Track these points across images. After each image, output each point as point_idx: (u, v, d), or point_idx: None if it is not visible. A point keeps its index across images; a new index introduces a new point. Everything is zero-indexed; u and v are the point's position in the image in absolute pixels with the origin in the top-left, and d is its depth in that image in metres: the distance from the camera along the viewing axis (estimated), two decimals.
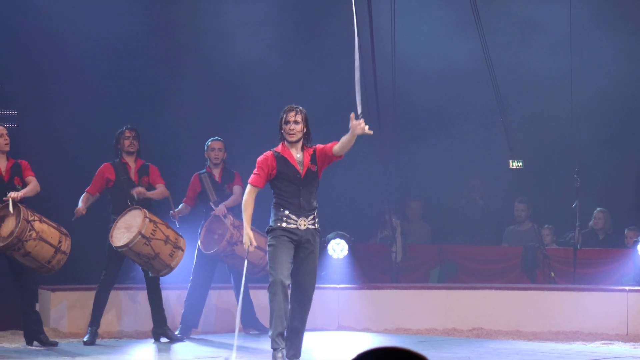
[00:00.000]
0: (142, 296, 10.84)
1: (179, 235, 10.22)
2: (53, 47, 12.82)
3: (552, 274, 12.47)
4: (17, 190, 9.73)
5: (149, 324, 10.61)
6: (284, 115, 8.37)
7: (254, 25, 13.52)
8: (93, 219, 10.81)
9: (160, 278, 10.35)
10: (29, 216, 9.58)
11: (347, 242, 12.47)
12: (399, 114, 13.44)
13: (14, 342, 10.35)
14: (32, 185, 9.88)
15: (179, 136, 13.43)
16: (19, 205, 9.57)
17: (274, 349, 8.21)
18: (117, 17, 12.97)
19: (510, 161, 13.27)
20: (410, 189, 14.53)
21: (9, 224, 9.54)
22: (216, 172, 10.88)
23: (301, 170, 8.29)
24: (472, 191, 14.67)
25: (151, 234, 9.93)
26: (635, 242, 12.26)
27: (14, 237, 9.46)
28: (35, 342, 9.98)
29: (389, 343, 10.02)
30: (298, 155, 8.33)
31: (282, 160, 8.30)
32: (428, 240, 14.09)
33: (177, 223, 10.52)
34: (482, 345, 10.39)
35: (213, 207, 10.64)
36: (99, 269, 10.41)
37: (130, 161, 10.53)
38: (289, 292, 8.29)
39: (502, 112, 12.78)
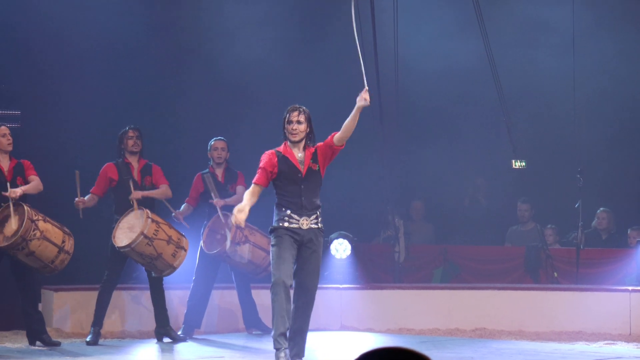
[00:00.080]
0: (145, 296, 10.83)
1: (181, 235, 10.20)
2: (55, 47, 12.82)
3: (555, 274, 12.45)
4: None
5: (151, 324, 10.60)
6: (287, 115, 8.36)
7: (255, 25, 13.51)
8: (96, 219, 10.79)
9: (163, 278, 10.34)
10: (33, 215, 9.56)
11: (350, 242, 12.46)
12: (401, 114, 13.45)
13: (17, 342, 10.34)
14: (34, 184, 9.84)
15: (181, 136, 13.43)
16: (23, 205, 9.56)
17: (277, 349, 8.20)
18: (118, 17, 12.96)
19: (513, 161, 13.27)
20: (413, 189, 14.52)
21: (13, 224, 9.53)
22: (219, 172, 10.85)
23: (302, 169, 8.28)
24: (475, 191, 14.66)
25: (154, 234, 9.92)
26: (638, 242, 12.24)
27: (18, 236, 9.44)
28: (38, 342, 9.96)
29: (391, 343, 10.01)
30: (299, 155, 8.32)
31: (283, 160, 8.29)
32: (431, 240, 14.07)
33: (186, 225, 10.48)
34: (485, 345, 10.37)
35: (213, 199, 10.55)
36: (102, 269, 10.39)
37: (134, 161, 10.50)
38: (292, 292, 8.28)
39: (504, 112, 12.77)
